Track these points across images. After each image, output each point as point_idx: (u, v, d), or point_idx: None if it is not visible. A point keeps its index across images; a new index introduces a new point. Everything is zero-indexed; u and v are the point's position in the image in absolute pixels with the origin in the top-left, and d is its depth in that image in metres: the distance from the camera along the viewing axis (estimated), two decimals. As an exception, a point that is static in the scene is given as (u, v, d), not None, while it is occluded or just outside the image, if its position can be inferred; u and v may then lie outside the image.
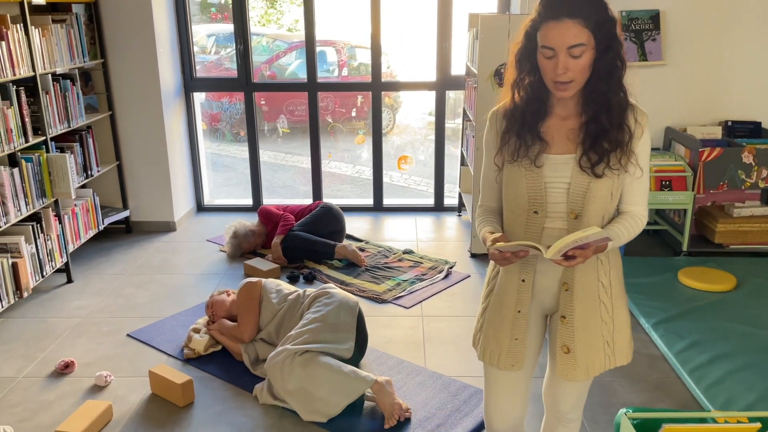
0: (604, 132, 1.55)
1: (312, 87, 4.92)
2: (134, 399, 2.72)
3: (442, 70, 4.86)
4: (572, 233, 1.48)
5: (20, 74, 3.37)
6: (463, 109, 4.81)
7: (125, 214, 4.61)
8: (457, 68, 4.87)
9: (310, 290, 3.01)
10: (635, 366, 2.94)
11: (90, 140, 4.16)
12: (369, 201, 5.24)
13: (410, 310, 3.52)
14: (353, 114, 7.19)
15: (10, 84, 3.31)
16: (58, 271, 3.82)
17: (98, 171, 4.28)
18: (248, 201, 5.24)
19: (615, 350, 1.72)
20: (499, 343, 1.74)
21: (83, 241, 4.07)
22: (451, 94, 5.12)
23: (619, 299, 1.72)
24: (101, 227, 4.30)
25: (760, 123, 4.26)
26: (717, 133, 4.26)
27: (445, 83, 4.89)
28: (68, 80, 3.88)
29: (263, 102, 7.51)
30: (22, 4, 3.40)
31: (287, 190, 6.55)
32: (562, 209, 1.61)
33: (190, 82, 4.91)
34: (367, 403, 2.64)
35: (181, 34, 4.77)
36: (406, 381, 2.82)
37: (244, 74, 4.88)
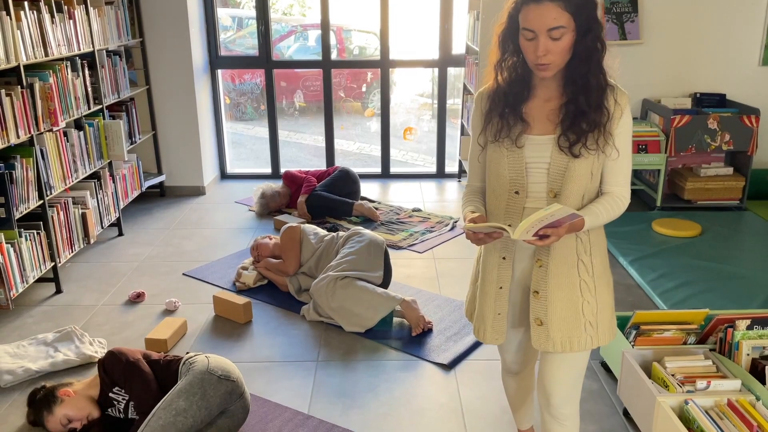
0: (583, 113, 1.56)
1: (326, 65, 5.45)
2: (201, 319, 3.26)
3: (444, 48, 5.40)
4: (535, 212, 1.47)
5: (83, 49, 3.87)
6: (464, 84, 5.36)
7: (161, 178, 5.11)
8: (458, 47, 5.41)
9: (342, 233, 3.57)
10: (614, 293, 3.52)
11: (134, 110, 4.66)
12: (377, 170, 5.79)
13: (424, 254, 4.08)
14: (363, 89, 7.71)
15: (77, 58, 3.80)
16: (111, 225, 4.33)
17: (140, 138, 4.78)
18: (267, 170, 5.76)
19: (598, 330, 1.73)
20: (484, 319, 1.80)
21: (130, 199, 4.58)
22: (452, 71, 5.66)
23: (601, 278, 1.73)
24: (143, 189, 4.81)
25: (724, 95, 4.87)
26: (687, 103, 4.86)
27: (446, 60, 5.43)
28: (117, 56, 4.37)
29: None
30: (82, -13, 3.89)
31: (293, 164, 7.05)
32: (543, 189, 1.63)
33: (216, 60, 5.40)
34: (396, 319, 3.21)
35: (208, 15, 5.25)
36: (426, 304, 3.39)
37: (264, 53, 5.38)
